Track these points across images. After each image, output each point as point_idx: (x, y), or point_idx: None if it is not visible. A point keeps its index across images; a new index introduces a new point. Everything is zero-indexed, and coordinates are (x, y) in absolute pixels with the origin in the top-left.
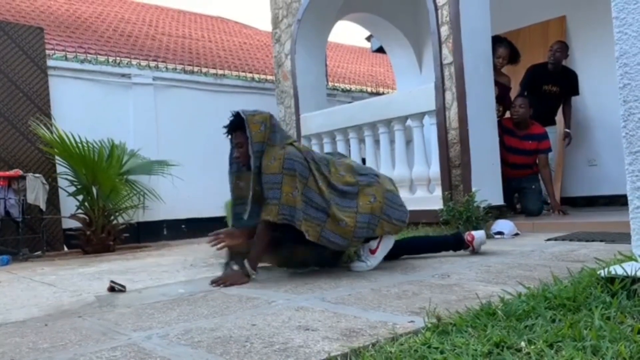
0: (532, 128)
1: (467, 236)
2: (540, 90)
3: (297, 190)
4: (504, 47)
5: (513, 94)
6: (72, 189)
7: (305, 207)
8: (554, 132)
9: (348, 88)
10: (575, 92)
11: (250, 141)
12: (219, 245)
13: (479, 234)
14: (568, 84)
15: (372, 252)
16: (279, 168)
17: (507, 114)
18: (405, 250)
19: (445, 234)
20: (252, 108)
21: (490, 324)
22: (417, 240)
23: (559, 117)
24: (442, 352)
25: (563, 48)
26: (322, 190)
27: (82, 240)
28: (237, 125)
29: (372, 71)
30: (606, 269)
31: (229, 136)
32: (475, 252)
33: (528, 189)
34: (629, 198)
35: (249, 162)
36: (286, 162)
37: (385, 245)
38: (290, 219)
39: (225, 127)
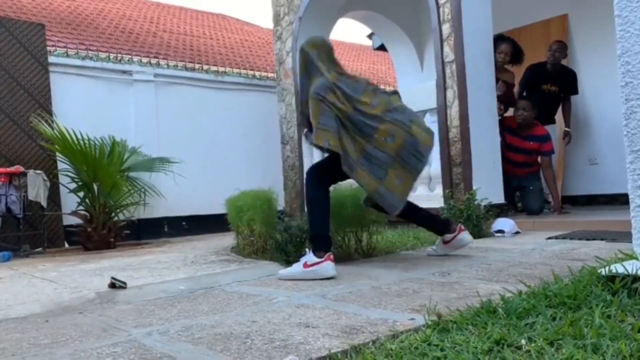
0: (535, 129)
1: (460, 226)
2: (539, 89)
3: (320, 110)
4: (507, 43)
5: (515, 91)
6: (73, 185)
7: (326, 116)
8: (554, 131)
9: None
10: (575, 91)
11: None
12: None
13: (467, 236)
14: (567, 83)
15: (446, 242)
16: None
17: (510, 112)
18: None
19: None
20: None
21: (491, 321)
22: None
23: (559, 116)
24: (442, 350)
25: (562, 48)
26: (340, 111)
27: (83, 237)
28: None
29: (374, 69)
30: (607, 268)
31: None
32: (449, 241)
33: (529, 188)
34: (630, 196)
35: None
36: (313, 88)
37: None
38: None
39: None
